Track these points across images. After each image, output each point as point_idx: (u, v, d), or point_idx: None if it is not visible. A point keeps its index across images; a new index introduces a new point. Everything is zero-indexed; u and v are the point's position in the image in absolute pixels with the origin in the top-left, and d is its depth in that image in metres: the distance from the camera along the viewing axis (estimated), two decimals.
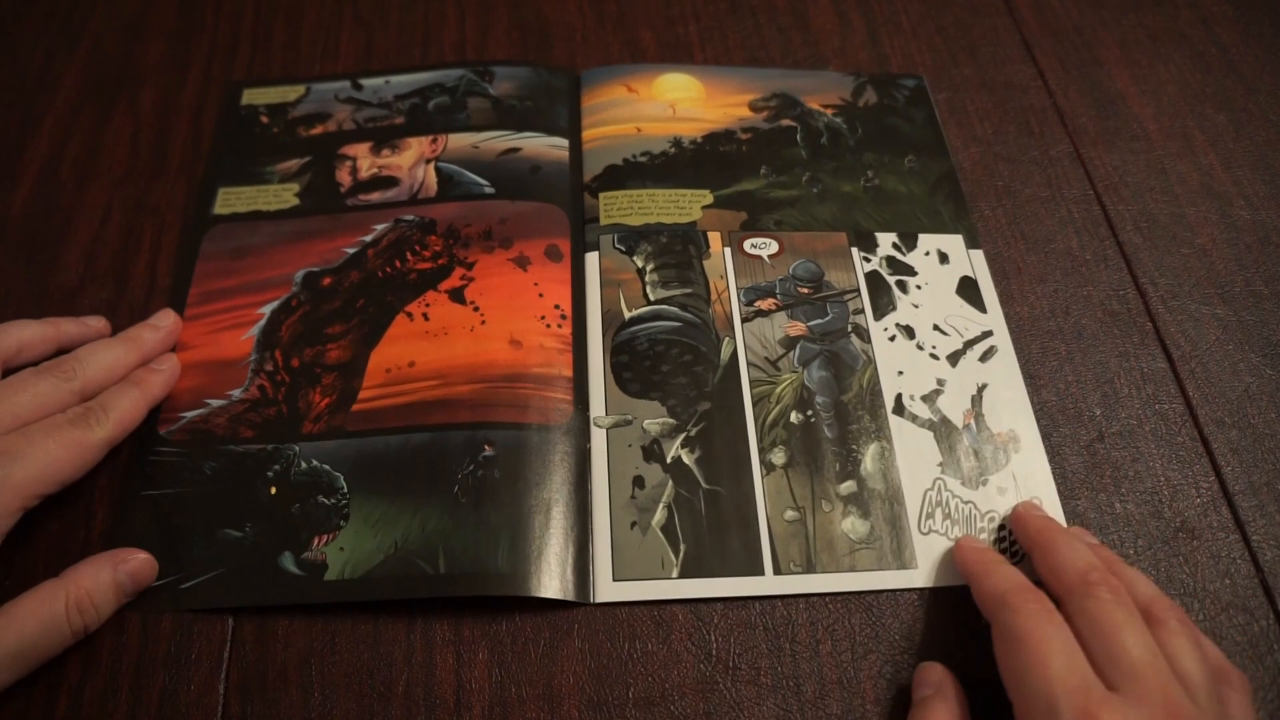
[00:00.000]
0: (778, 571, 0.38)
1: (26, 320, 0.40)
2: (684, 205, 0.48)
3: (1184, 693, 0.30)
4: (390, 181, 0.49)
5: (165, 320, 0.43)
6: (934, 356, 0.44)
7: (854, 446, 0.41)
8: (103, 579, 0.35)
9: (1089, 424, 0.42)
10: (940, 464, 0.41)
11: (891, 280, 0.46)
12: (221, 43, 0.56)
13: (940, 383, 0.43)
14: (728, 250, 0.46)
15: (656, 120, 0.52)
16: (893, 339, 0.44)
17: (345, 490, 0.39)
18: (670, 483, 0.40)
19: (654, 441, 0.41)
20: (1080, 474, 0.41)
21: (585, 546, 0.38)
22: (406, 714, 0.35)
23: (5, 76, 0.54)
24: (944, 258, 0.47)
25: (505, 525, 0.38)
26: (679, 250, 0.46)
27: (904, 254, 0.47)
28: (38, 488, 0.35)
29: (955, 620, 0.37)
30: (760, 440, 0.41)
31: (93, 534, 0.38)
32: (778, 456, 0.40)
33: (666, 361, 0.43)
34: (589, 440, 0.41)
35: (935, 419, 0.42)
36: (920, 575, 0.38)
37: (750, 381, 0.42)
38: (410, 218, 0.47)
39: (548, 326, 0.44)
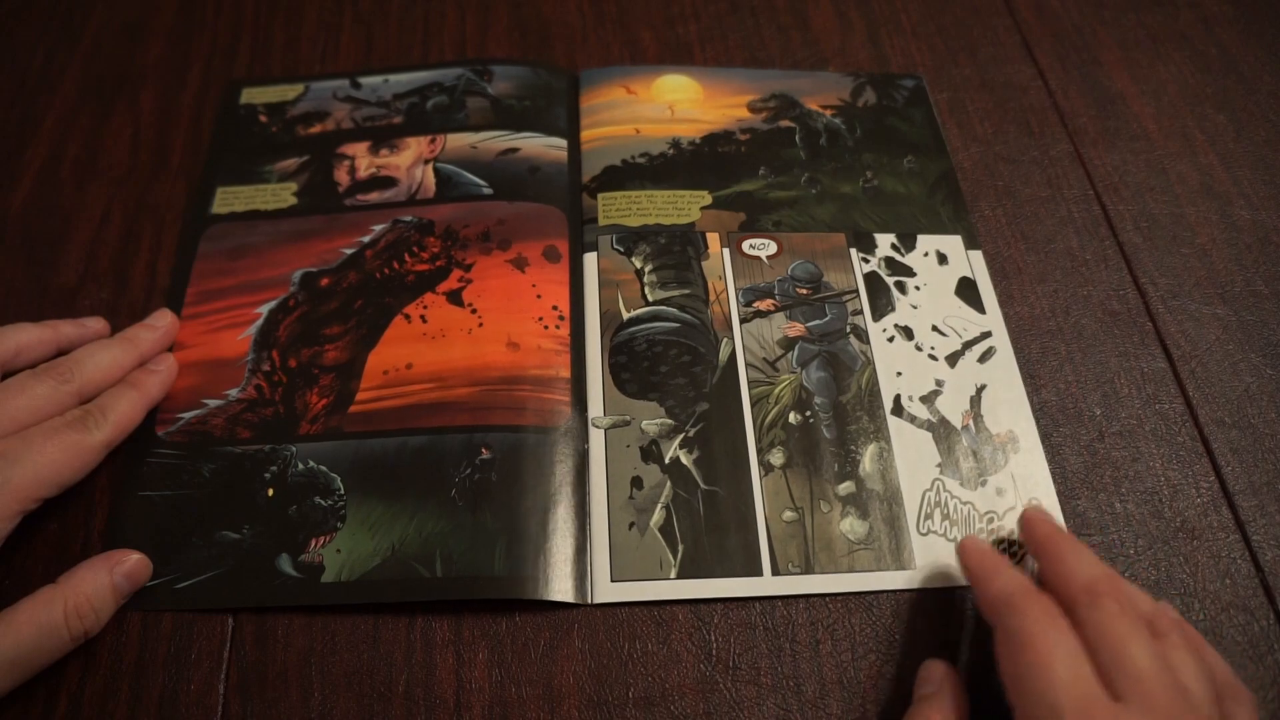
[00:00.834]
0: (776, 572, 0.38)
1: (25, 324, 0.40)
2: (682, 206, 0.48)
3: (1188, 705, 0.30)
4: (388, 182, 0.49)
5: (162, 320, 0.43)
6: (932, 357, 0.44)
7: (852, 447, 0.41)
8: (100, 583, 0.35)
9: (1089, 424, 0.42)
10: (939, 465, 0.41)
11: (890, 281, 0.46)
12: (221, 43, 0.56)
13: (939, 383, 0.43)
14: (726, 251, 0.46)
15: (655, 121, 0.51)
16: (891, 340, 0.44)
17: (342, 492, 0.39)
18: (669, 483, 0.40)
19: (652, 442, 0.41)
20: (1080, 474, 0.41)
21: (583, 548, 0.38)
22: (406, 714, 0.35)
23: (5, 76, 0.54)
24: (943, 258, 0.47)
25: (502, 528, 0.38)
26: (677, 251, 0.46)
27: (903, 255, 0.47)
28: (36, 491, 0.35)
29: (955, 620, 0.37)
30: (759, 441, 0.41)
31: (92, 536, 0.38)
32: (776, 457, 0.40)
33: (665, 362, 0.43)
34: (587, 441, 0.41)
35: (934, 420, 0.42)
36: (919, 576, 0.38)
37: (749, 382, 0.42)
38: (408, 218, 0.47)
39: (546, 328, 0.44)
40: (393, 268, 0.45)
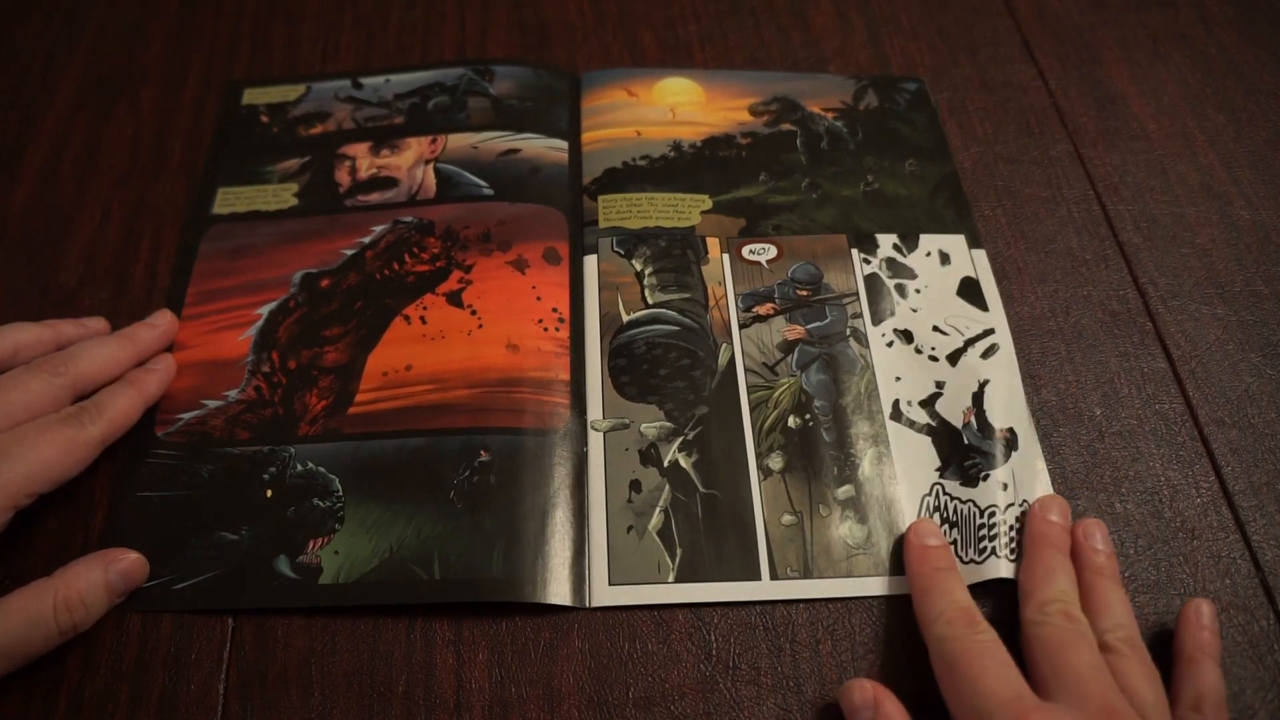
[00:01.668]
0: (774, 576, 0.38)
1: (24, 323, 0.40)
2: (683, 209, 0.48)
3: (1128, 709, 0.30)
4: (389, 182, 0.49)
5: (162, 320, 0.43)
6: (933, 359, 0.44)
7: (852, 451, 0.41)
8: (94, 578, 0.35)
9: (1089, 424, 0.42)
10: (938, 469, 0.41)
11: (891, 284, 0.46)
12: (221, 43, 0.56)
13: (939, 385, 0.43)
14: (726, 256, 0.46)
15: (656, 124, 0.51)
16: (890, 345, 0.44)
17: (341, 493, 0.39)
18: (667, 487, 0.40)
19: (651, 445, 0.41)
20: (1080, 474, 0.41)
21: (582, 551, 0.38)
22: (406, 714, 0.35)
23: (5, 76, 0.54)
24: (945, 258, 0.47)
25: (501, 531, 0.38)
26: (678, 254, 0.46)
27: (904, 255, 0.47)
28: (29, 487, 0.35)
29: None
30: (758, 445, 0.41)
31: (91, 536, 0.39)
32: (775, 461, 0.40)
33: (664, 365, 0.43)
34: (586, 444, 0.41)
35: (934, 424, 0.42)
36: None
37: (748, 387, 0.42)
38: (409, 219, 0.47)
39: (545, 330, 0.44)
40: (393, 268, 0.45)
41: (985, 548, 0.38)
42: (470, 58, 0.55)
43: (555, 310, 0.44)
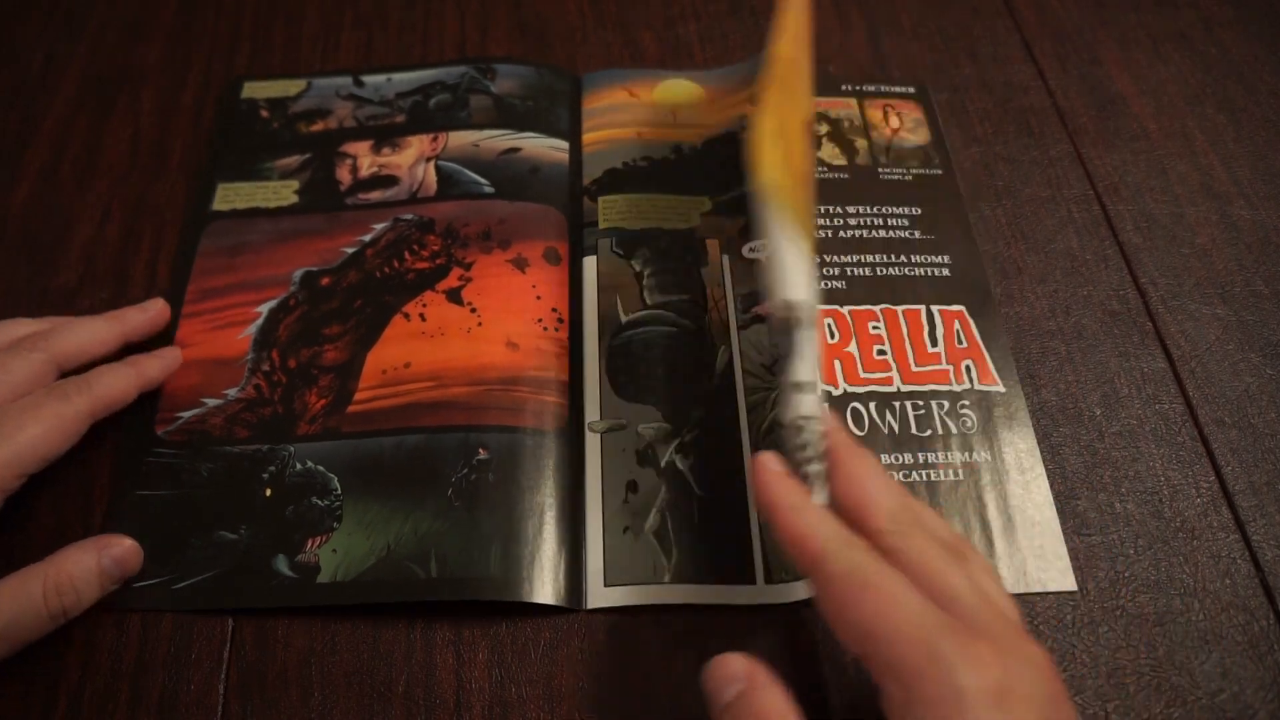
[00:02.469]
0: (769, 580, 0.38)
1: (22, 319, 0.40)
2: (683, 211, 0.48)
3: (1008, 623, 0.30)
4: (390, 180, 0.49)
5: (153, 305, 0.43)
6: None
7: None
8: (86, 564, 0.34)
9: (1089, 424, 0.42)
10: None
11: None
12: (221, 42, 0.56)
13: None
14: (725, 258, 0.46)
15: (657, 125, 0.51)
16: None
17: (339, 492, 0.39)
18: (664, 488, 0.40)
19: (648, 446, 0.41)
20: (1080, 474, 0.41)
21: (578, 552, 0.38)
22: (406, 714, 0.35)
23: (5, 76, 0.54)
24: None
25: (498, 529, 0.38)
26: (677, 256, 0.46)
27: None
28: (17, 467, 0.35)
29: None
30: (755, 447, 0.41)
31: (91, 533, 0.38)
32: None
33: (662, 366, 0.43)
34: (583, 444, 0.41)
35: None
36: None
37: (746, 389, 0.42)
38: (409, 216, 0.47)
39: (545, 330, 0.43)
40: (393, 266, 0.45)
41: None
42: (471, 57, 0.55)
43: (555, 310, 0.44)
